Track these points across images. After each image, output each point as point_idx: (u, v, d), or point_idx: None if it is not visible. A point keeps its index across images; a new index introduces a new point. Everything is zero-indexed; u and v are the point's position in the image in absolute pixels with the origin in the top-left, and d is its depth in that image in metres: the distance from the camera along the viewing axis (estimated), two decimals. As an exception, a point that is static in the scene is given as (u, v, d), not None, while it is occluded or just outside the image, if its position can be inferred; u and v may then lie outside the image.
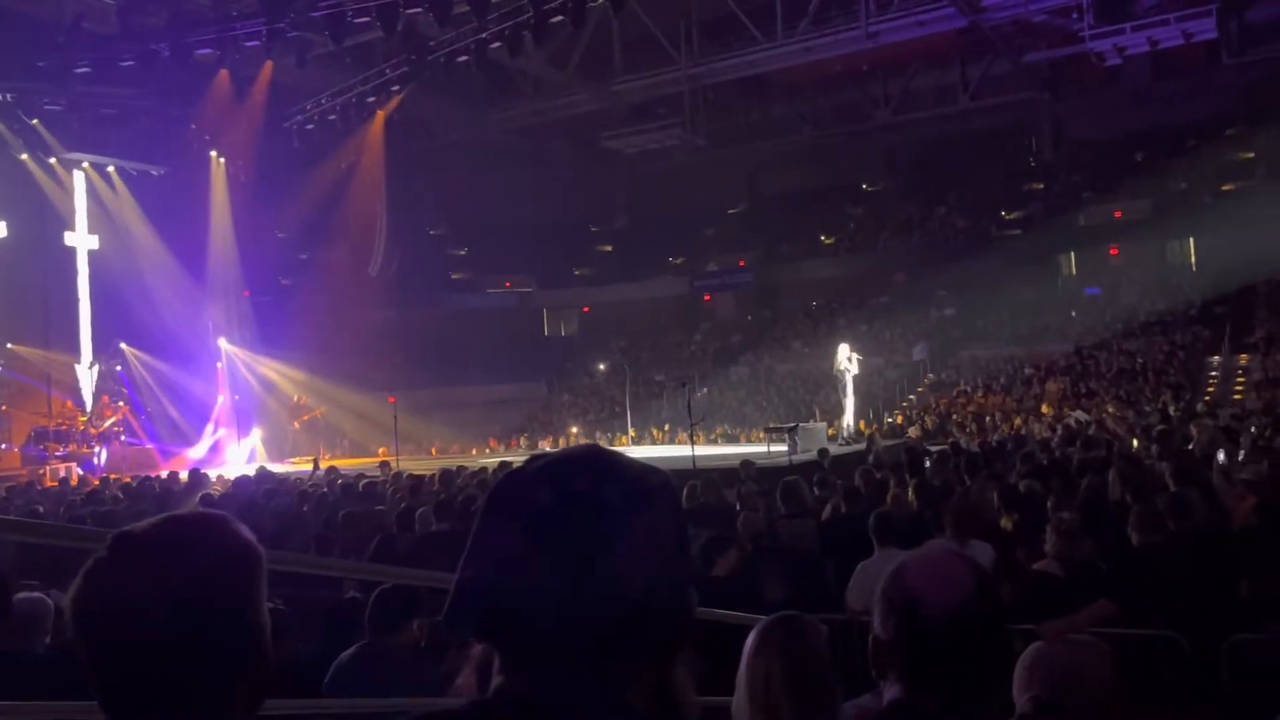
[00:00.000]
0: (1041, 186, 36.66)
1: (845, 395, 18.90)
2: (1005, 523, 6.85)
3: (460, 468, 14.06)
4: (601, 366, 35.87)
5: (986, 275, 31.99)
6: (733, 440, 25.80)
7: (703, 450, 19.06)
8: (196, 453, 23.58)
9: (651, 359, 35.93)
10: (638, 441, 26.22)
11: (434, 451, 28.40)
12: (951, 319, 33.31)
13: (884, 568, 1.65)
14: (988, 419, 23.30)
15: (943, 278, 33.33)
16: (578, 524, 1.08)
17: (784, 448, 16.57)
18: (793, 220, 39.41)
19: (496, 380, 33.38)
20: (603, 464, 1.14)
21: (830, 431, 20.30)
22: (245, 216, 27.66)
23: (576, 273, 43.41)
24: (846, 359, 18.73)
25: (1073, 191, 34.86)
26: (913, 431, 21.82)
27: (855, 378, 18.97)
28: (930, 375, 30.45)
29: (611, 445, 25.45)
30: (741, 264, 39.92)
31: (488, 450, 28.60)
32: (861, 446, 16.73)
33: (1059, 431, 17.00)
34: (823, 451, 14.26)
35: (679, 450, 20.85)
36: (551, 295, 41.77)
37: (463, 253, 42.87)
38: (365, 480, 11.96)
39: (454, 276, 42.37)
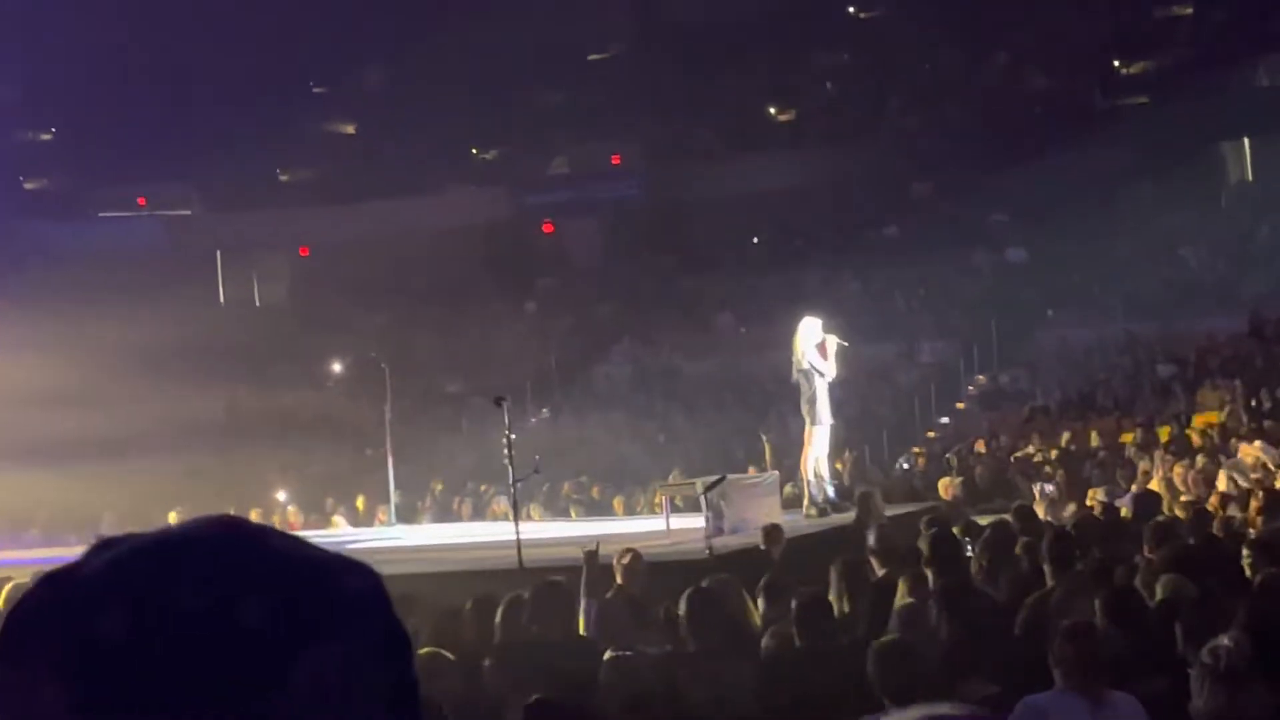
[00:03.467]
0: (1189, 11, 37.98)
1: (815, 419, 19.18)
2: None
3: (50, 576, 13.73)
4: (337, 366, 35.54)
5: (1086, 184, 33.02)
6: (600, 510, 25.84)
7: (540, 531, 18.85)
8: None
9: (439, 350, 35.78)
10: (409, 516, 26.03)
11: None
12: (1020, 269, 34.27)
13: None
14: (1087, 463, 23.89)
15: (1004, 190, 34.25)
16: (175, 674, 1.09)
17: (700, 524, 16.68)
18: (716, 76, 39.85)
19: (123, 397, 32.68)
20: (239, 554, 1.16)
21: (789, 489, 20.39)
22: None
23: (284, 178, 42.91)
24: (816, 347, 18.99)
25: (1243, 26, 36.14)
26: (945, 488, 22.24)
27: (833, 385, 19.29)
28: (979, 377, 31.24)
29: (354, 523, 24.84)
30: (616, 161, 40.20)
31: (90, 536, 28.03)
32: (849, 517, 16.91)
33: (1220, 485, 17.61)
34: (771, 531, 14.37)
35: (493, 532, 20.77)
36: (234, 222, 41.15)
37: (48, 136, 41.84)
38: None
39: (29, 186, 41.30)
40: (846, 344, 19.32)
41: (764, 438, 25.00)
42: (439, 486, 28.78)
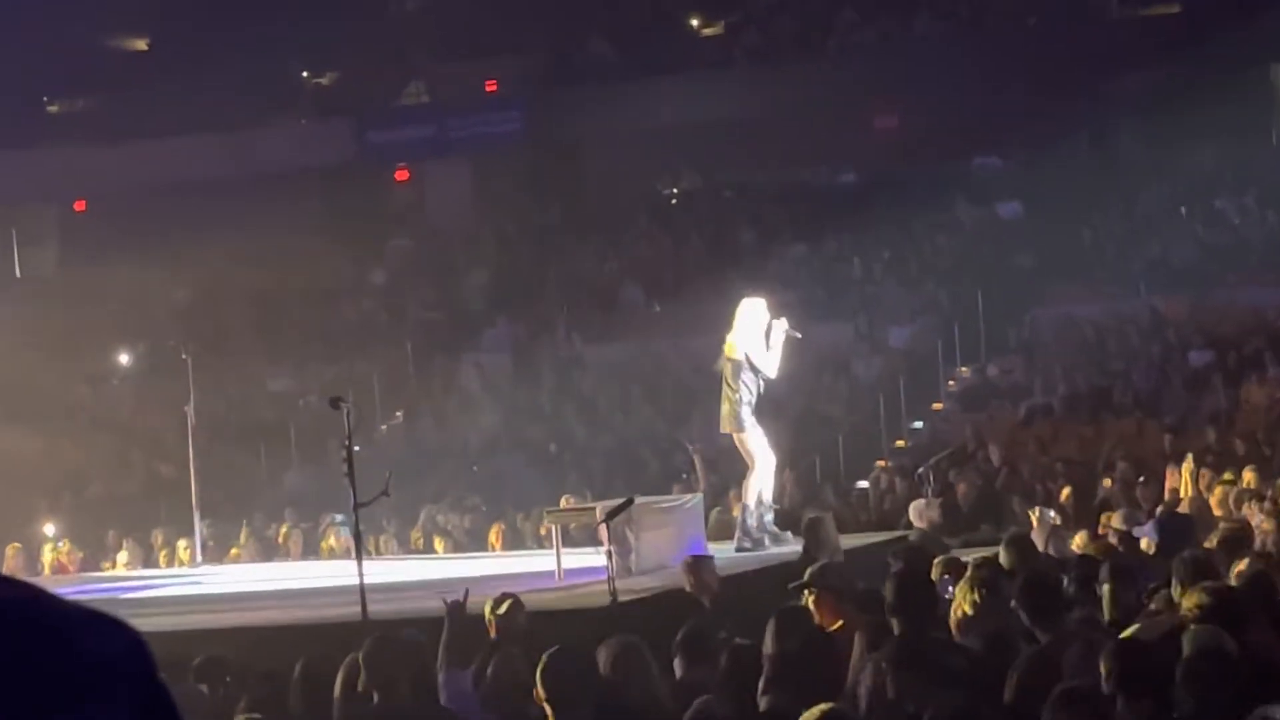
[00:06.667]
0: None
1: (742, 425, 19.00)
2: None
3: None
4: (124, 356, 35.44)
5: (1098, 118, 33.07)
6: (471, 543, 25.81)
7: (391, 571, 19.26)
8: None
9: (258, 335, 35.82)
10: (220, 553, 25.85)
11: None
12: (1014, 227, 34.42)
13: None
14: (1100, 479, 23.99)
15: (994, 126, 34.49)
16: None
17: (600, 560, 16.57)
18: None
19: None
20: None
21: (716, 514, 20.57)
22: None
23: (54, 109, 42.83)
24: (756, 337, 18.83)
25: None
26: (918, 512, 22.24)
27: (768, 384, 19.18)
28: (962, 369, 31.39)
29: (147, 562, 25.02)
30: (492, 88, 40.22)
31: None
32: (793, 550, 16.99)
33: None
34: (694, 564, 14.29)
35: (330, 573, 20.67)
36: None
37: None
38: None
39: None
40: (799, 335, 19.34)
41: (691, 447, 25.02)
42: (259, 514, 28.54)
